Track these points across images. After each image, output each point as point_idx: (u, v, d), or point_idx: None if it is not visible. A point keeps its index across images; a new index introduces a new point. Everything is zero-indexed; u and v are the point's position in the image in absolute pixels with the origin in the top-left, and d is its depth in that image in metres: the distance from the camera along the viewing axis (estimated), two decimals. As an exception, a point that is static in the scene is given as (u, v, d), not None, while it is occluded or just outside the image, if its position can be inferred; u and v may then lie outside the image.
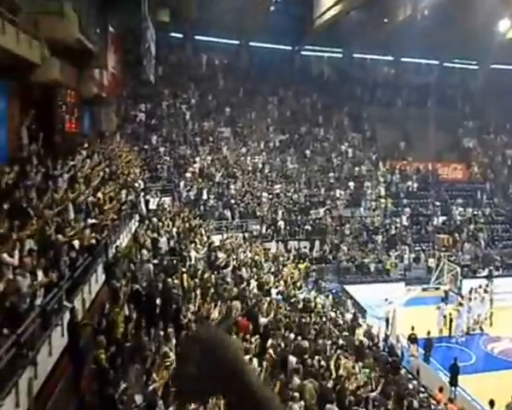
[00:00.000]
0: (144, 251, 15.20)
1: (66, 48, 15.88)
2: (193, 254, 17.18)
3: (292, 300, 18.27)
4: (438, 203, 34.64)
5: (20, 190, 10.92)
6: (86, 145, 18.84)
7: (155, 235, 17.26)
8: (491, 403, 14.04)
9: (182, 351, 1.17)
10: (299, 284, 21.58)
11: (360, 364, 14.32)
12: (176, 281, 13.01)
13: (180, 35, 37.26)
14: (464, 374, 17.55)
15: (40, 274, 8.60)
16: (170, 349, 9.25)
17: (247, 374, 1.12)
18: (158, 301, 11.48)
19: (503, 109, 40.25)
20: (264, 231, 28.66)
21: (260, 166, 32.96)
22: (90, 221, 12.56)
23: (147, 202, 21.84)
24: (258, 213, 29.35)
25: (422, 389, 15.33)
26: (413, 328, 19.38)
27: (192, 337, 1.18)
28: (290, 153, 34.85)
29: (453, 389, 16.74)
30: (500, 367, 19.15)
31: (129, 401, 7.75)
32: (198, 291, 13.12)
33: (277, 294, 17.63)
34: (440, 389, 15.49)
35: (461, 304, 22.87)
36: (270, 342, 12.06)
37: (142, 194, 21.56)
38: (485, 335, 22.64)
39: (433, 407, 13.96)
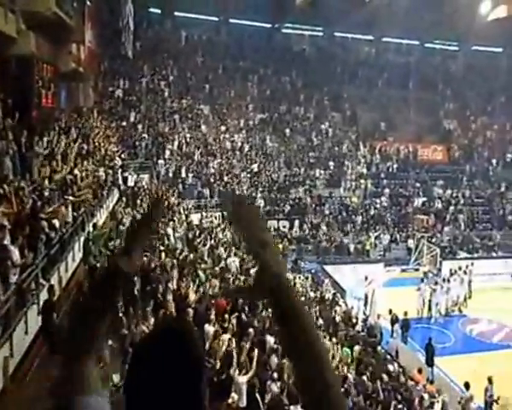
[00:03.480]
0: (122, 228, 15.03)
1: (43, 21, 15.51)
2: (171, 232, 17.06)
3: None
4: (418, 185, 34.90)
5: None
6: (63, 121, 18.45)
7: (133, 213, 17.08)
8: (467, 385, 14.25)
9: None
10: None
11: (334, 340, 14.50)
12: (154, 260, 12.92)
13: (158, 10, 36.57)
14: (443, 355, 17.71)
15: (16, 252, 8.42)
16: (147, 329, 9.18)
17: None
18: (136, 279, 11.37)
19: (484, 91, 40.65)
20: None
21: (239, 144, 32.77)
22: (67, 198, 12.35)
23: (125, 180, 21.57)
24: (237, 192, 29.22)
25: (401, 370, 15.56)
26: (391, 311, 19.51)
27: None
28: (270, 132, 34.71)
29: (429, 369, 16.94)
30: (478, 349, 19.24)
31: (105, 380, 7.67)
32: (176, 270, 13.05)
33: (256, 273, 17.63)
34: (419, 371, 15.70)
35: (436, 283, 23.14)
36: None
37: (120, 171, 21.27)
38: (463, 316, 22.76)
39: (411, 387, 14.15)
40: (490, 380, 14.49)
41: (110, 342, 8.78)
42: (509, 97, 41.96)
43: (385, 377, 13.42)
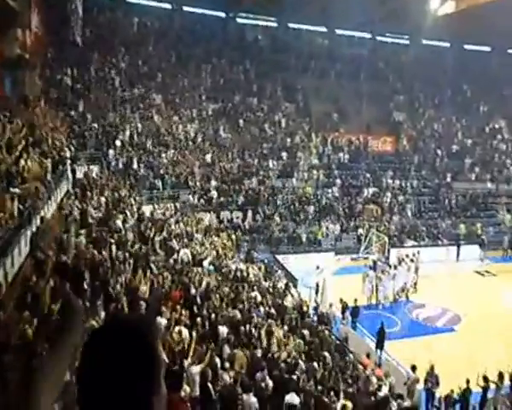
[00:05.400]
0: (71, 222, 14.72)
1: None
2: (122, 225, 16.83)
3: (223, 270, 18.41)
4: (368, 175, 35.64)
5: None
6: (7, 110, 17.77)
7: (83, 205, 16.73)
8: (413, 368, 14.87)
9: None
10: (230, 255, 21.75)
11: (286, 328, 14.77)
12: (104, 253, 12.73)
13: (109, -5, 35.65)
14: (390, 340, 18.42)
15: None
16: (97, 323, 9.10)
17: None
18: (86, 273, 11.20)
19: (432, 84, 41.97)
20: (196, 201, 28.46)
21: (193, 135, 32.49)
22: (13, 190, 11.96)
23: (73, 171, 21.03)
24: (190, 183, 29.07)
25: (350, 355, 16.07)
26: (341, 300, 20.08)
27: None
28: (223, 122, 34.57)
29: (378, 353, 17.55)
30: (424, 333, 20.27)
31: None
32: (127, 263, 12.92)
33: (209, 264, 17.71)
34: (368, 355, 16.25)
35: (383, 272, 23.89)
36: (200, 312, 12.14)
37: (69, 162, 20.71)
38: (410, 302, 23.69)
39: (360, 371, 14.63)
40: (432, 368, 15.18)
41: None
42: (456, 92, 43.55)
43: (330, 360, 13.85)
